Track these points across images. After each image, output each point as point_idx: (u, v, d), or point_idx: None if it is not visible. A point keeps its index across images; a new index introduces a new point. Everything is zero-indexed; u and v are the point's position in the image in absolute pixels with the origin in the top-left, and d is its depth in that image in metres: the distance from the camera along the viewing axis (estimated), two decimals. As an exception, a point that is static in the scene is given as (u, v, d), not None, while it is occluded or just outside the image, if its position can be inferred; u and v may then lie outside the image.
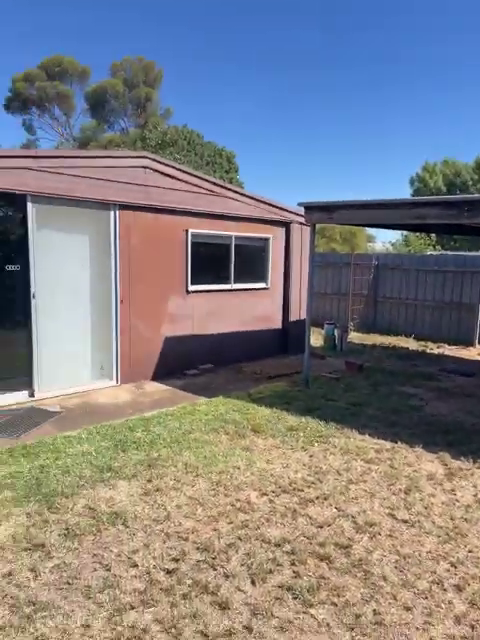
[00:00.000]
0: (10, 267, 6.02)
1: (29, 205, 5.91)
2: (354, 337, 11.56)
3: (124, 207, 6.78)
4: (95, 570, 3.00)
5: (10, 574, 2.93)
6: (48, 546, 3.19)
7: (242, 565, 3.07)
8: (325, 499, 3.92)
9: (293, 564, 3.10)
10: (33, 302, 6.14)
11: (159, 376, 7.51)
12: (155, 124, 21.61)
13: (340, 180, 57.83)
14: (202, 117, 49.60)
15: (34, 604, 2.69)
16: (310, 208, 6.95)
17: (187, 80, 51.48)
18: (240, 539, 3.34)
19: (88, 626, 2.55)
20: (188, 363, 7.91)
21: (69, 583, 2.87)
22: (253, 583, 2.92)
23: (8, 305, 6.10)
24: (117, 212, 6.74)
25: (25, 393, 6.29)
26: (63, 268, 6.46)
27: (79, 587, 2.84)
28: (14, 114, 29.98)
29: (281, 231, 9.15)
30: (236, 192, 8.32)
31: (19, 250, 6.02)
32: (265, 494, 3.98)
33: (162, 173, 7.04)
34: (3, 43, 46.55)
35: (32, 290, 6.10)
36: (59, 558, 3.09)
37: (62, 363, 6.61)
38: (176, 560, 3.11)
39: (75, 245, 6.59)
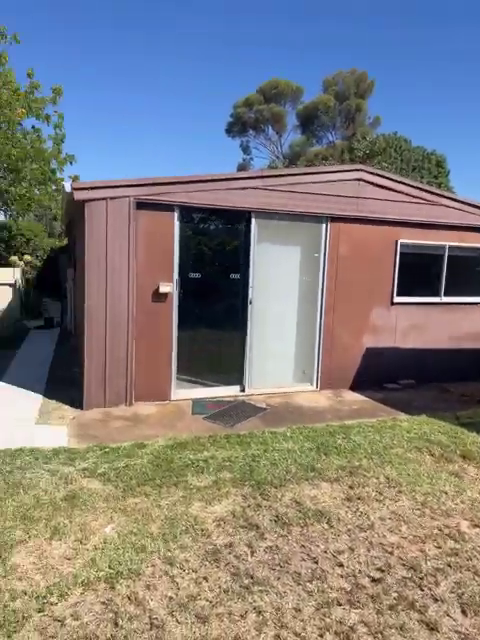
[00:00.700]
0: (233, 276, 6.81)
1: (253, 220, 6.58)
2: None
3: (335, 219, 7.01)
4: (303, 560, 3.22)
5: (231, 545, 3.35)
6: (262, 528, 3.54)
7: (452, 592, 2.94)
8: None
9: (513, 607, 2.84)
10: (249, 308, 6.80)
11: (357, 386, 7.52)
12: (363, 134, 21.61)
13: None
14: (414, 121, 47.53)
15: (251, 577, 3.02)
16: None
17: (399, 85, 49.90)
18: (450, 566, 3.19)
19: (299, 610, 2.76)
20: (387, 376, 7.74)
21: (281, 566, 3.14)
22: (464, 613, 2.77)
23: (230, 310, 6.91)
24: (328, 224, 7.01)
25: (237, 388, 7.00)
26: (276, 277, 6.99)
27: (290, 572, 3.09)
28: (234, 137, 33.31)
29: (505, 241, 8.26)
30: (452, 199, 7.82)
31: (242, 261, 6.76)
32: (478, 526, 3.69)
33: (375, 184, 7.06)
34: (228, 74, 52.35)
35: (250, 297, 6.77)
36: (271, 541, 3.40)
37: (269, 364, 7.16)
38: (381, 570, 3.13)
39: (288, 256, 7.07)
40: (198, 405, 6.41)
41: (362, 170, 7.07)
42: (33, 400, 6.26)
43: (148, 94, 57.16)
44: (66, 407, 6.09)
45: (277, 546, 3.34)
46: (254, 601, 2.82)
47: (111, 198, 5.75)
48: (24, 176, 11.83)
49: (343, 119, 29.64)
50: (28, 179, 11.95)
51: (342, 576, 3.07)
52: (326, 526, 3.62)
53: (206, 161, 54.68)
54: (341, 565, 3.17)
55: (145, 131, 59.74)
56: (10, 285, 10.34)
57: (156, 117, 57.98)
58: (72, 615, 2.68)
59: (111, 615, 2.69)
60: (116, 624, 2.62)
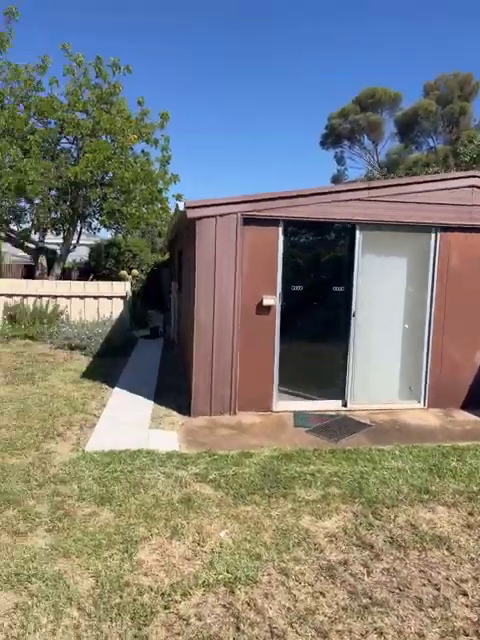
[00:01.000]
0: (336, 288, 6.76)
1: (357, 233, 6.50)
2: None
3: (445, 229, 6.70)
4: (424, 585, 3.08)
5: (345, 563, 3.30)
6: (376, 548, 3.45)
7: None
8: None
9: None
10: (353, 320, 6.70)
11: (470, 406, 7.05)
12: (470, 137, 20.44)
13: None
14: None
15: (370, 597, 2.96)
16: None
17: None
18: None
19: (422, 636, 2.65)
20: (504, 396, 7.18)
21: (400, 589, 3.03)
22: None
23: (333, 322, 6.85)
24: (438, 234, 6.71)
25: (339, 402, 6.89)
26: (380, 289, 6.81)
27: (410, 596, 2.98)
28: (328, 149, 33.11)
29: None
30: None
31: (345, 273, 6.70)
32: None
33: (492, 190, 6.65)
34: (322, 87, 52.40)
35: (353, 309, 6.67)
36: (388, 563, 3.30)
37: (372, 379, 6.96)
38: (512, 605, 2.91)
39: (393, 267, 6.87)
40: (300, 417, 6.41)
41: (476, 176, 6.69)
42: (145, 405, 6.67)
43: (243, 117, 58.96)
44: (174, 413, 6.40)
45: (394, 568, 3.23)
46: (374, 622, 2.76)
47: (220, 215, 6.01)
48: (134, 196, 12.74)
49: (446, 123, 28.23)
50: (137, 199, 12.85)
51: (467, 605, 2.90)
52: (446, 552, 3.43)
53: (299, 174, 54.93)
54: (465, 594, 2.99)
55: (236, 147, 61.58)
56: (122, 297, 11.16)
57: (247, 134, 59.58)
58: (196, 615, 2.80)
59: (232, 619, 2.77)
60: (238, 628, 2.70)
